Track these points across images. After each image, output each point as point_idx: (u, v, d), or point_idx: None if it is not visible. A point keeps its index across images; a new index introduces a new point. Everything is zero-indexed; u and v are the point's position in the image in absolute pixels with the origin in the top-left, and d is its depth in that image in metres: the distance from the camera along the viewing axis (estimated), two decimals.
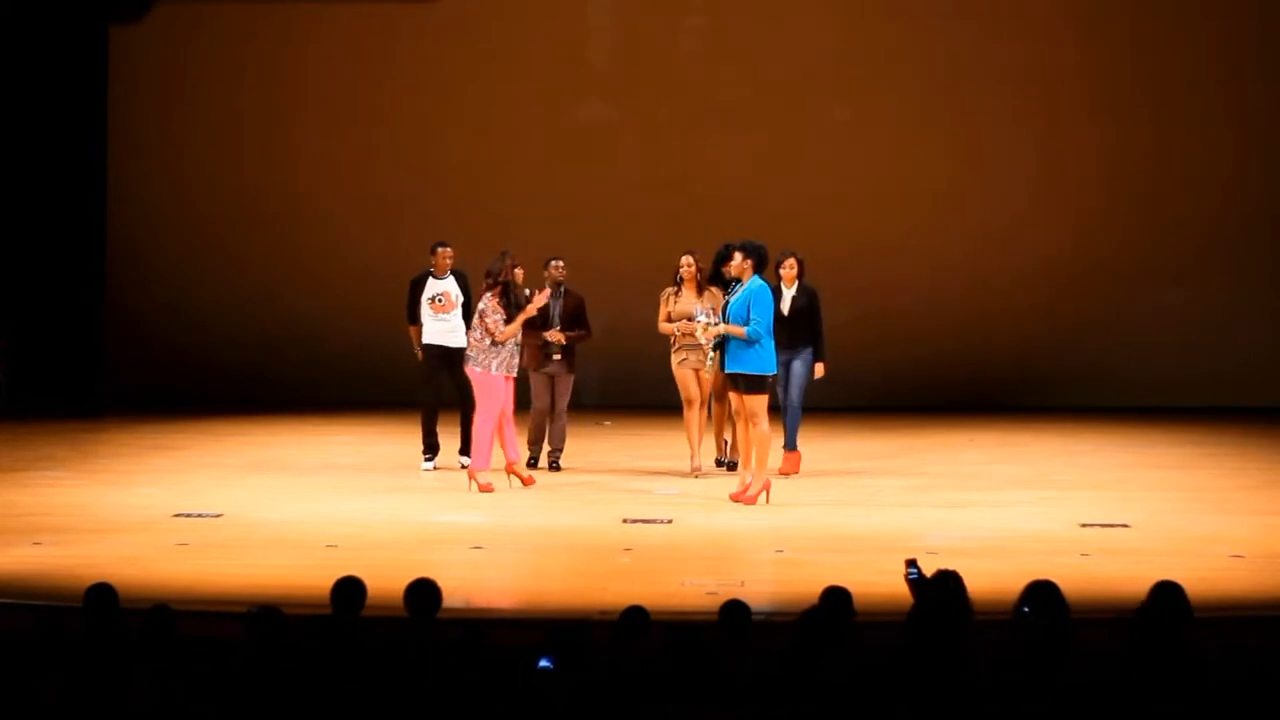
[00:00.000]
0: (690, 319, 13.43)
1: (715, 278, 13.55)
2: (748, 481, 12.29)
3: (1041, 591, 6.43)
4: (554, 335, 13.73)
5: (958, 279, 19.01)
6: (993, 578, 8.54)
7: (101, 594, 7.03)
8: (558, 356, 13.82)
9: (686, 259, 13.67)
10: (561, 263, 13.95)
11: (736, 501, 12.24)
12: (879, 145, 19.24)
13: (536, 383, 13.88)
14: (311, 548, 10.68)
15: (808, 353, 13.56)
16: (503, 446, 12.95)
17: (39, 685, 6.30)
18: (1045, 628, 6.34)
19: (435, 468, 13.75)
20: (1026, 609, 6.39)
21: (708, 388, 13.55)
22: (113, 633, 6.87)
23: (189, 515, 11.78)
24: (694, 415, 13.54)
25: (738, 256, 12.42)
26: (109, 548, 10.61)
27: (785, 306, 13.41)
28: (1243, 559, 10.39)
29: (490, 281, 12.79)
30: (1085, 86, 19.10)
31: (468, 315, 13.73)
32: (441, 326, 13.78)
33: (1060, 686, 6.08)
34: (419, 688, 6.31)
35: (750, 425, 12.19)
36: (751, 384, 12.17)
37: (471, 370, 12.81)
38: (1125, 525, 11.48)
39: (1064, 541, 10.88)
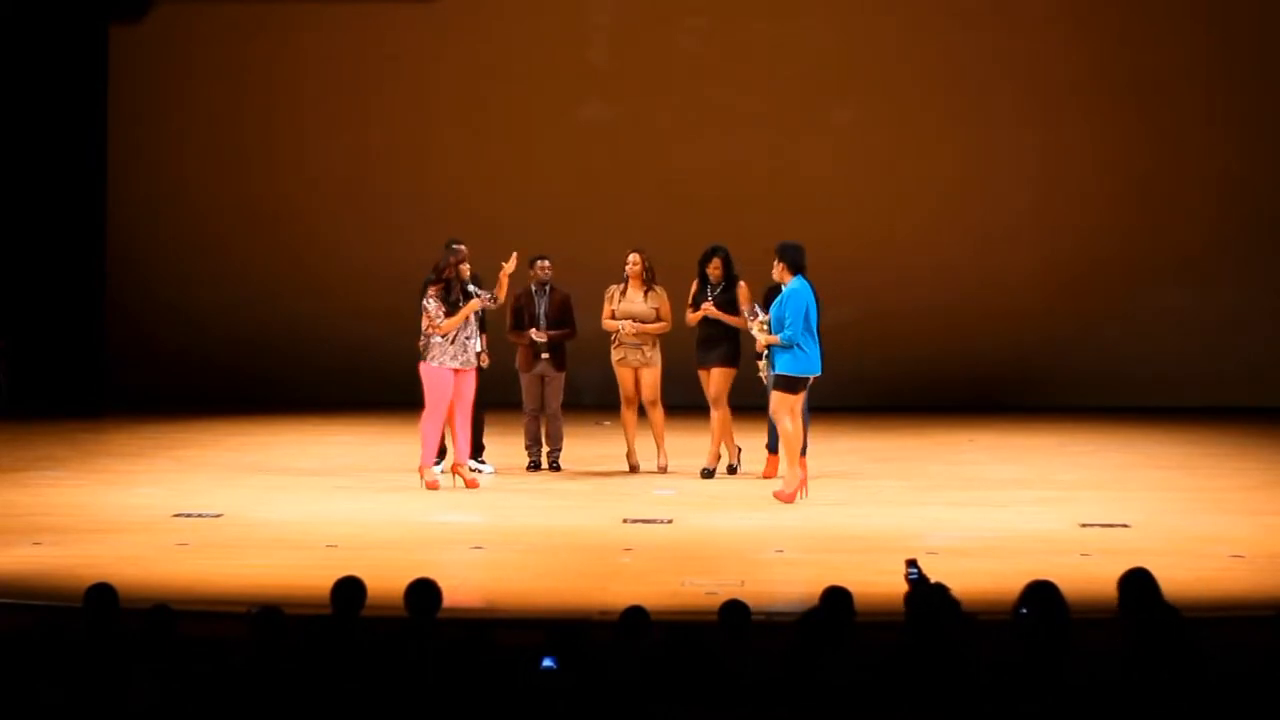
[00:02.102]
0: (633, 319, 13.55)
1: (705, 278, 13.56)
2: (800, 476, 12.33)
3: (1041, 591, 6.43)
4: (538, 334, 13.75)
5: (958, 279, 19.02)
6: (993, 578, 8.55)
7: (101, 594, 7.03)
8: (546, 356, 13.82)
9: (634, 256, 13.73)
10: (547, 262, 13.94)
11: (783, 501, 12.30)
12: (880, 146, 19.25)
13: (527, 383, 13.88)
14: (311, 548, 10.68)
15: None
16: (453, 444, 13.01)
17: (39, 685, 6.30)
18: (1045, 628, 6.34)
19: (444, 471, 13.73)
20: (1026, 609, 6.39)
21: (649, 389, 13.60)
22: (113, 633, 6.87)
23: (189, 515, 11.78)
24: (632, 413, 13.75)
25: (775, 259, 12.42)
26: (109, 548, 10.61)
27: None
28: (1243, 559, 10.40)
29: (434, 276, 12.85)
30: (1086, 87, 19.10)
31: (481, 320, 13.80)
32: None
33: (1060, 686, 6.07)
34: (419, 688, 6.31)
35: (775, 421, 12.23)
36: (782, 383, 12.17)
37: (421, 366, 12.88)
38: (1125, 525, 11.48)
39: (1064, 541, 10.88)
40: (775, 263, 12.37)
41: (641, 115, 19.36)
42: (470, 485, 13.00)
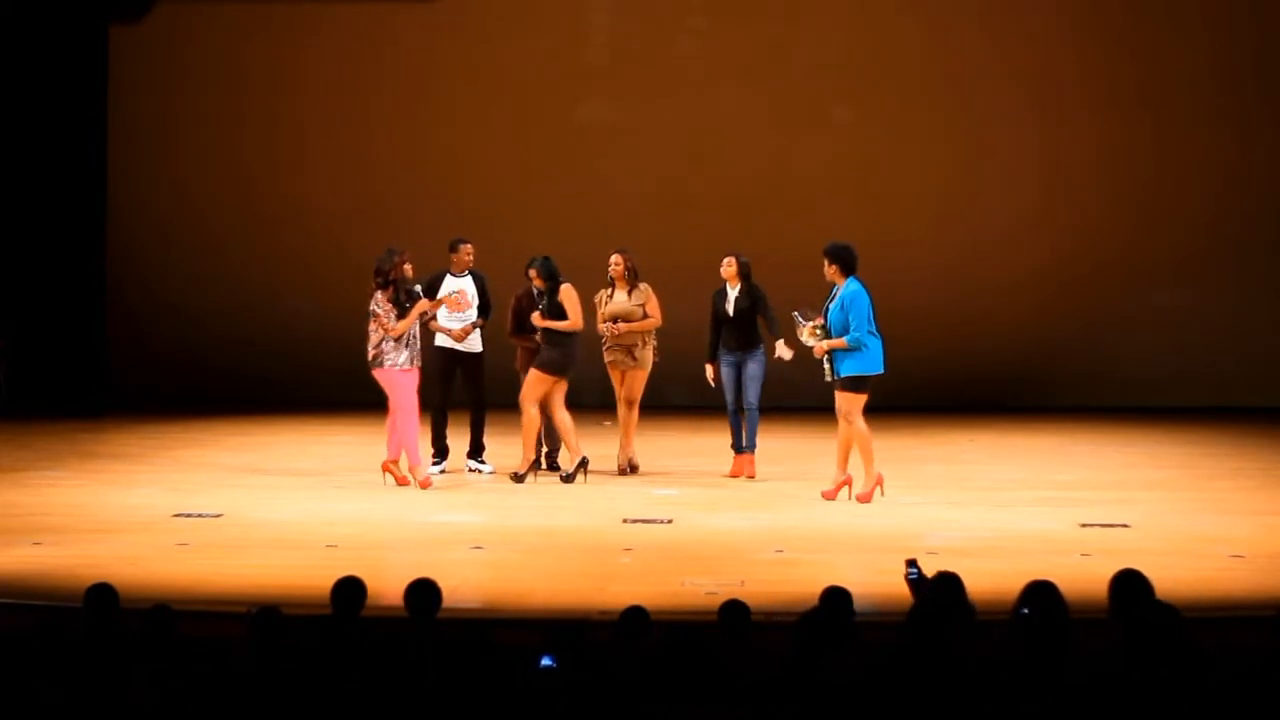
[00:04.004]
0: (617, 319, 13.56)
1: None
2: (840, 479, 12.37)
3: (1041, 591, 6.43)
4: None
5: (958, 279, 19.02)
6: (993, 578, 8.54)
7: (101, 594, 7.03)
8: None
9: (615, 257, 13.75)
10: None
11: (827, 498, 12.34)
12: (880, 146, 19.26)
13: None
14: (311, 548, 10.68)
15: (759, 353, 13.54)
16: (387, 441, 13.01)
17: (39, 685, 6.30)
18: (1045, 628, 6.34)
19: (443, 471, 13.75)
20: (1026, 609, 6.39)
21: (631, 389, 13.61)
22: (113, 633, 6.87)
23: (189, 515, 11.79)
24: (626, 412, 13.76)
25: (825, 261, 12.36)
26: (109, 548, 10.61)
27: (729, 308, 13.45)
28: (1243, 559, 10.40)
29: (380, 280, 12.87)
30: (1086, 87, 19.11)
31: (484, 317, 13.82)
32: (455, 327, 13.75)
33: (1060, 686, 6.07)
34: (419, 688, 6.31)
35: (846, 424, 12.24)
36: (849, 383, 12.20)
37: (378, 372, 12.90)
38: (1125, 525, 11.49)
39: (1064, 541, 10.88)
40: (827, 265, 12.35)
41: (641, 115, 19.36)
42: (401, 483, 12.96)
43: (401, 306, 12.86)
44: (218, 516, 11.78)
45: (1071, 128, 19.13)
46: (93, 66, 19.42)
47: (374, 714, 6.22)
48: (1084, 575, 8.93)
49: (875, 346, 12.20)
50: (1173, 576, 8.91)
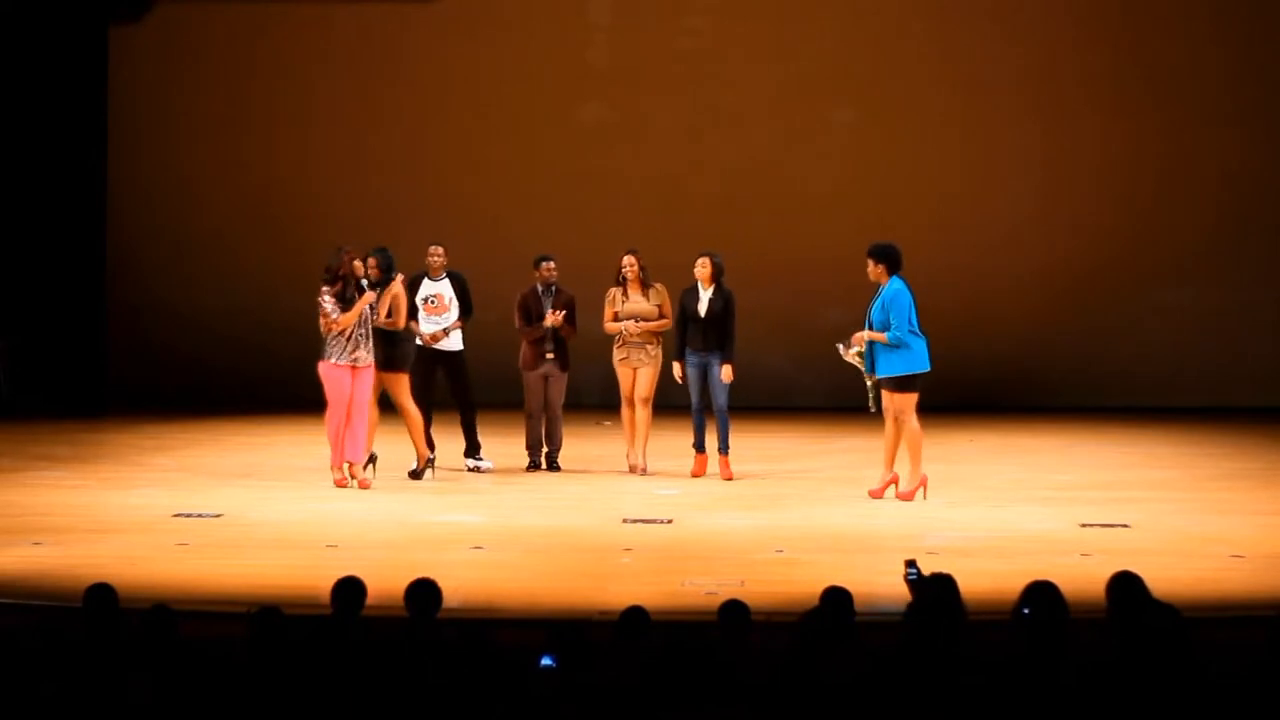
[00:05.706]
0: (634, 319, 13.59)
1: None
2: (887, 478, 12.47)
3: (1041, 591, 6.43)
4: (551, 318, 13.76)
5: (959, 280, 18.98)
6: (993, 578, 8.55)
7: (101, 594, 7.03)
8: (550, 356, 13.85)
9: (629, 259, 13.77)
10: (552, 263, 14.00)
11: (874, 497, 12.46)
12: (881, 146, 19.24)
13: (531, 382, 13.89)
14: (311, 548, 10.69)
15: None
16: (351, 442, 13.01)
17: (39, 686, 6.30)
18: (1045, 627, 6.34)
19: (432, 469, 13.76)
20: (1026, 609, 6.40)
21: (645, 386, 13.63)
22: (112, 633, 6.87)
23: (189, 515, 11.79)
24: (631, 413, 13.78)
25: (869, 262, 12.45)
26: (109, 548, 10.61)
27: (701, 308, 13.45)
28: (1243, 559, 10.40)
29: (328, 275, 12.89)
30: (1088, 88, 19.10)
31: (465, 317, 13.84)
32: (434, 330, 13.79)
33: (1060, 686, 6.07)
34: (419, 688, 6.31)
35: (901, 424, 12.27)
36: (899, 384, 12.30)
37: (320, 365, 12.92)
38: (1125, 525, 11.49)
39: (1064, 541, 10.89)
40: (872, 265, 12.44)
41: (641, 116, 19.35)
42: (363, 486, 12.96)
43: (347, 301, 12.86)
44: (218, 516, 11.79)
45: (1072, 128, 19.11)
46: (93, 66, 19.41)
47: (374, 714, 6.22)
48: (1084, 575, 8.94)
49: (919, 345, 12.37)
50: (1172, 576, 8.92)
